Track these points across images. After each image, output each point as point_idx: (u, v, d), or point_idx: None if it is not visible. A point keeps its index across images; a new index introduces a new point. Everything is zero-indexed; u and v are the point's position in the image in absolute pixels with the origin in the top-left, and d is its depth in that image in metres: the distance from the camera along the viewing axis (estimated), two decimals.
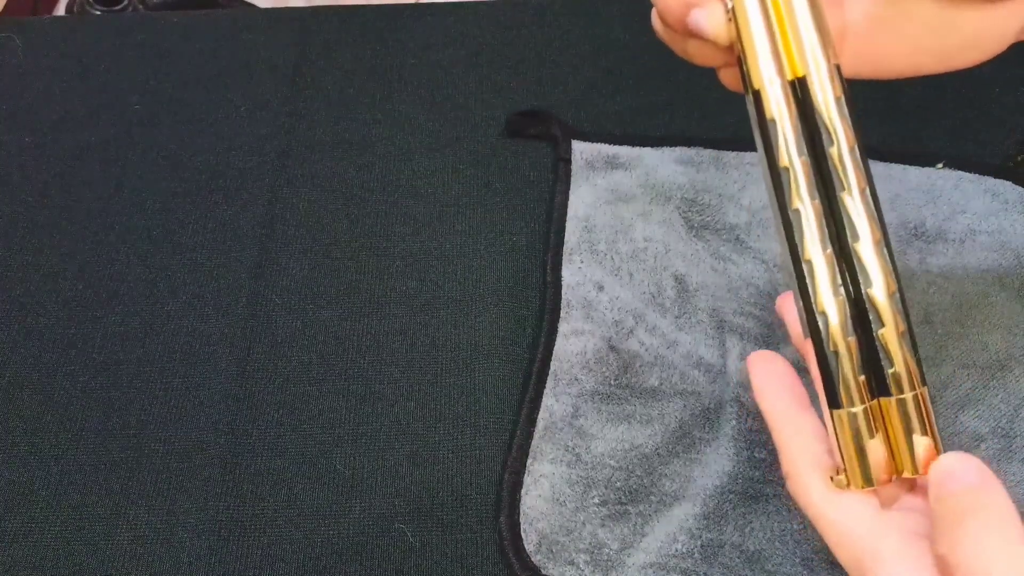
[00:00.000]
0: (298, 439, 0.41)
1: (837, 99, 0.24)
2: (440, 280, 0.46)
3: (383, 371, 0.43)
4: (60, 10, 1.32)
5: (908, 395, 0.25)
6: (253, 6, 1.09)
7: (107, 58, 0.56)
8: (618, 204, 0.47)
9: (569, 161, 0.49)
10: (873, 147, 0.49)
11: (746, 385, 0.41)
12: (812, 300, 0.25)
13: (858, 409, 0.25)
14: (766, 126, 0.24)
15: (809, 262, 0.24)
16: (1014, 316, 0.43)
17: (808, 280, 0.24)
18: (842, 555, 0.26)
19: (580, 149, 0.49)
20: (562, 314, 0.43)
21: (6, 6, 1.25)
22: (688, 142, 0.50)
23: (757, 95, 0.25)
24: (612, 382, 0.41)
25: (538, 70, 0.55)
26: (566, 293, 0.44)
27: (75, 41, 0.57)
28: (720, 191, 0.48)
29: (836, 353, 0.25)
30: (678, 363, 0.42)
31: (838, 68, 0.24)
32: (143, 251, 0.47)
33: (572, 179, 0.48)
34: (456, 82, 0.54)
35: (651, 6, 0.27)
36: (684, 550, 0.37)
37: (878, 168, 0.48)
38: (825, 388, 0.25)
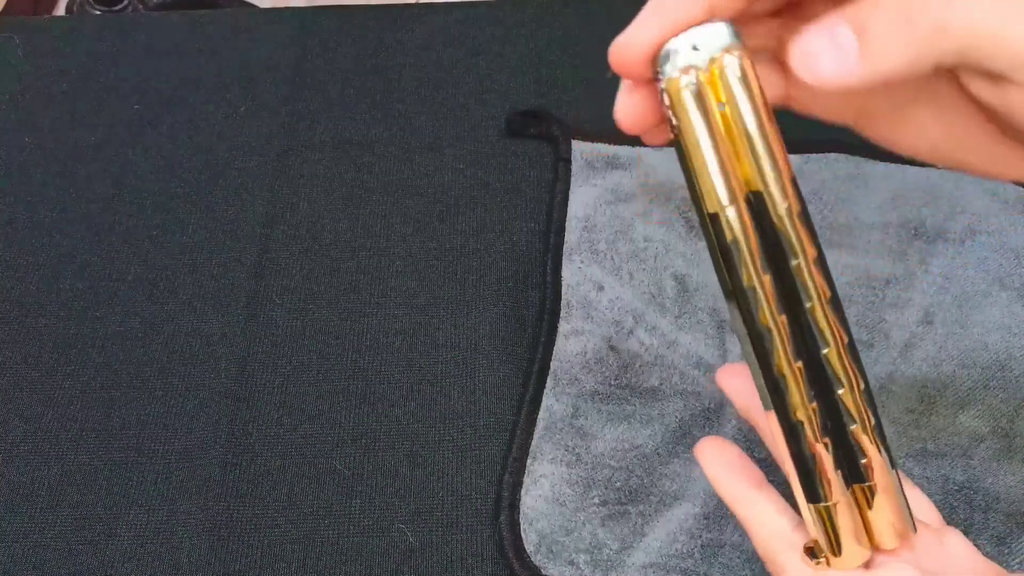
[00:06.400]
0: (298, 439, 0.41)
1: (798, 214, 0.23)
2: (440, 280, 0.46)
3: (383, 371, 0.43)
4: (60, 10, 1.32)
5: (878, 481, 0.26)
6: (253, 6, 1.09)
7: (107, 58, 0.56)
8: (618, 204, 0.47)
9: (569, 161, 0.49)
10: (873, 147, 0.49)
11: None
12: (788, 411, 0.25)
13: (834, 502, 0.26)
14: (727, 248, 0.24)
15: (783, 376, 0.25)
16: (1014, 316, 0.43)
17: (784, 393, 0.25)
18: None
19: (580, 149, 0.49)
20: (562, 314, 0.43)
21: (6, 6, 1.25)
22: None
23: (714, 218, 0.24)
24: (612, 382, 0.41)
25: (538, 70, 0.55)
26: (566, 293, 0.44)
27: (75, 41, 0.57)
28: None
29: (814, 456, 0.25)
30: (678, 363, 0.42)
31: (793, 180, 0.23)
32: (143, 251, 0.47)
33: (572, 179, 0.48)
34: (456, 82, 0.54)
35: None
36: (684, 550, 0.37)
37: (878, 168, 0.48)
38: (803, 485, 0.26)
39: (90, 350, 0.44)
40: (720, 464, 0.31)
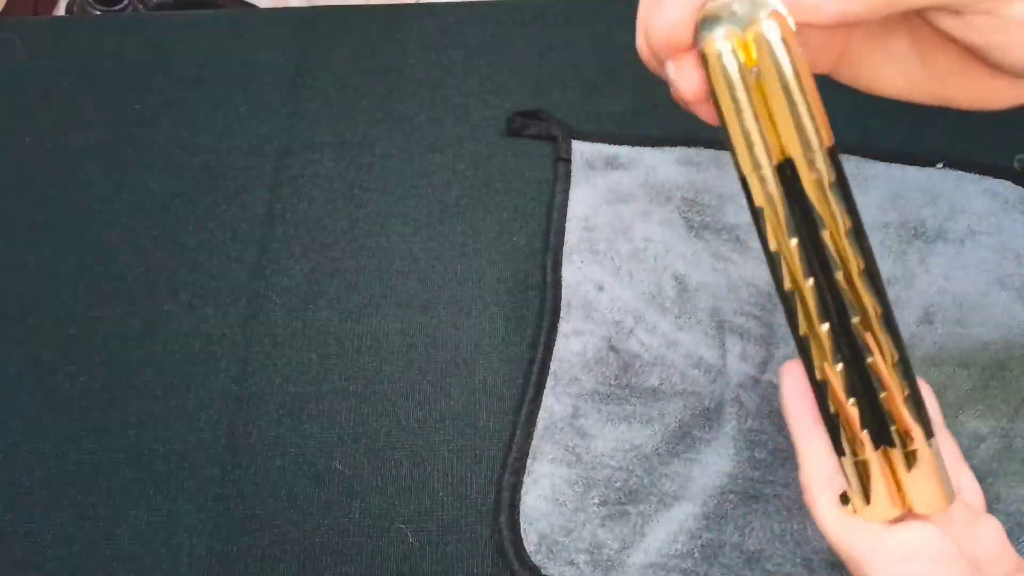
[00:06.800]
0: (298, 439, 0.41)
1: (830, 184, 0.23)
2: (440, 280, 0.46)
3: (383, 371, 0.43)
4: (60, 10, 1.32)
5: (912, 449, 0.26)
6: (253, 6, 1.09)
7: (107, 58, 0.56)
8: (618, 204, 0.47)
9: (569, 161, 0.49)
10: (873, 147, 0.49)
11: (746, 385, 0.41)
12: (813, 370, 0.25)
13: (862, 458, 0.26)
14: (755, 211, 0.24)
15: (806, 336, 0.25)
16: (1014, 316, 0.43)
17: (808, 353, 0.25)
18: (850, 567, 0.27)
19: (580, 149, 0.49)
20: (562, 314, 0.43)
21: (6, 6, 1.25)
22: (688, 142, 0.50)
23: (743, 182, 0.24)
24: (612, 382, 0.41)
25: (538, 70, 0.55)
26: (566, 293, 0.44)
27: (75, 41, 0.57)
28: (720, 191, 0.48)
29: (838, 415, 0.26)
30: (678, 363, 0.42)
31: (831, 151, 0.23)
32: (143, 251, 0.47)
33: (572, 179, 0.48)
34: (456, 82, 0.54)
35: None
36: (684, 550, 0.37)
37: (878, 168, 0.48)
38: (831, 438, 0.26)
39: (90, 350, 0.44)
40: (795, 391, 0.30)
